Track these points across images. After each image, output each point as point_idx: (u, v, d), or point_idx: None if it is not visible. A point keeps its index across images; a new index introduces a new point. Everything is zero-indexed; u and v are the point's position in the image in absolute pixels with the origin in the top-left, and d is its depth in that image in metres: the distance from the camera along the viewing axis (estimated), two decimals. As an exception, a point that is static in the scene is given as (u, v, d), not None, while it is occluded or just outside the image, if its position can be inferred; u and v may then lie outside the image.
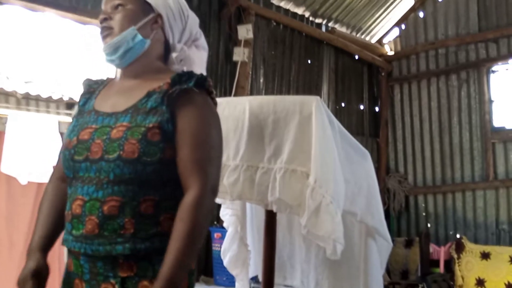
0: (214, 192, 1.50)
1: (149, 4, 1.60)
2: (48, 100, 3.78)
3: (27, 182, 3.59)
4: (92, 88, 1.68)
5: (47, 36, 3.91)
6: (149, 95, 1.52)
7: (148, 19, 1.59)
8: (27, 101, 3.72)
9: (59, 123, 3.84)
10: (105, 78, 1.72)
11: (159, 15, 1.61)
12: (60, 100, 3.83)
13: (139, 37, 1.56)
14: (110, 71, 1.70)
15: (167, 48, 1.66)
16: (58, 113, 3.86)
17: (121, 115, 1.50)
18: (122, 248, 1.42)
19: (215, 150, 1.53)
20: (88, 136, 1.50)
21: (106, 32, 1.57)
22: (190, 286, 1.55)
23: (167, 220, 1.45)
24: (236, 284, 2.57)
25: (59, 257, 3.64)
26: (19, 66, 3.75)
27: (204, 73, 1.61)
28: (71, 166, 1.52)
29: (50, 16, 3.83)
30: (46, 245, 1.59)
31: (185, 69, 1.64)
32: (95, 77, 1.74)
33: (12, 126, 3.59)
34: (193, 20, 1.71)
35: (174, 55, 1.65)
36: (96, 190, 1.45)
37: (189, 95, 1.51)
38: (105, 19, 1.58)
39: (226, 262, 2.55)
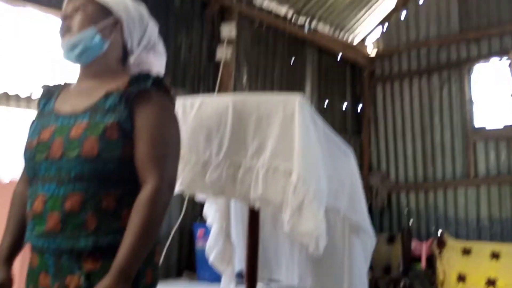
0: (171, 187, 1.55)
1: (109, 9, 1.65)
2: (29, 98, 3.75)
3: (8, 181, 3.56)
4: (51, 91, 1.73)
5: (26, 32, 3.87)
6: (107, 95, 1.56)
7: (108, 22, 1.65)
8: (7, 98, 3.68)
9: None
10: (62, 83, 1.76)
11: (119, 19, 1.66)
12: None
13: (98, 37, 1.62)
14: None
15: (126, 52, 1.71)
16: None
17: (80, 114, 1.55)
18: (84, 243, 1.46)
19: (172, 147, 1.59)
20: (48, 136, 1.55)
21: (66, 30, 1.63)
22: (154, 281, 1.59)
23: (128, 215, 1.48)
24: (222, 279, 2.58)
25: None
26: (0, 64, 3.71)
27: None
28: (32, 166, 1.56)
29: (31, 11, 3.79)
30: (12, 254, 1.66)
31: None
32: (54, 82, 1.79)
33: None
34: (153, 27, 1.78)
35: (132, 58, 1.71)
36: (57, 188, 1.49)
37: (147, 95, 1.56)
38: (65, 18, 1.63)
39: (211, 259, 2.56)
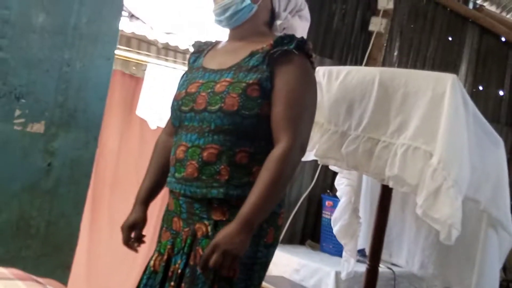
0: (303, 149, 1.59)
1: None
2: (186, 52, 3.96)
3: (156, 127, 3.82)
4: (202, 48, 1.84)
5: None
6: (252, 54, 1.63)
7: None
8: (167, 51, 3.92)
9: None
10: (213, 41, 1.87)
11: None
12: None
13: (248, 1, 1.67)
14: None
15: (273, 16, 1.76)
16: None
17: (225, 71, 1.63)
18: (216, 192, 1.55)
19: (307, 110, 1.62)
20: (195, 89, 1.65)
21: None
22: (275, 241, 1.66)
23: (258, 172, 1.55)
24: (343, 253, 2.56)
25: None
26: (164, 17, 3.94)
27: None
28: (178, 116, 1.68)
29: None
30: (150, 197, 1.82)
31: None
32: (205, 39, 1.91)
33: (150, 73, 3.82)
34: None
35: (278, 22, 1.75)
36: (198, 138, 1.59)
37: (289, 56, 1.60)
38: None
39: (336, 230, 2.55)
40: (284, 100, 1.57)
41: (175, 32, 3.95)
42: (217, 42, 1.85)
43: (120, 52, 3.57)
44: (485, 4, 6.04)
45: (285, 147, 1.52)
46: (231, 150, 1.56)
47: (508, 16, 6.36)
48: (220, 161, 1.55)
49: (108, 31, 2.31)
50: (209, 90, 1.61)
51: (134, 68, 3.84)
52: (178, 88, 1.76)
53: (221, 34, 1.89)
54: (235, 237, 1.46)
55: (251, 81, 1.57)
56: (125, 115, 3.94)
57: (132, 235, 1.80)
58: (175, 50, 3.94)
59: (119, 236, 1.83)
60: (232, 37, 1.77)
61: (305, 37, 1.80)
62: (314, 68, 1.72)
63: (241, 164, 1.56)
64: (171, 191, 1.71)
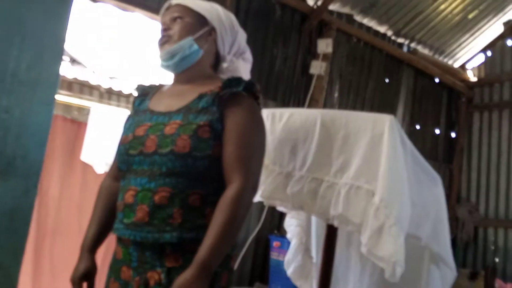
0: (255, 189, 1.59)
1: (204, 18, 1.74)
2: (129, 96, 3.94)
3: (103, 171, 3.75)
4: (146, 91, 1.83)
5: (134, 36, 4.07)
6: (200, 97, 1.64)
7: (204, 31, 1.73)
8: (110, 95, 3.89)
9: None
10: (157, 84, 1.86)
11: (213, 28, 1.75)
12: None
13: (195, 46, 1.70)
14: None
15: (218, 58, 1.80)
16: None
17: (174, 114, 1.62)
18: (169, 236, 1.51)
19: (258, 150, 1.64)
20: (143, 132, 1.62)
21: (165, 39, 1.72)
22: (228, 284, 1.62)
23: (212, 214, 1.53)
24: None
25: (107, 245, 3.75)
26: (106, 62, 3.93)
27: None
28: (126, 160, 1.64)
29: (139, 16, 3.98)
30: (96, 245, 1.75)
31: None
32: (149, 82, 1.90)
33: (94, 118, 3.77)
34: (242, 35, 1.86)
35: (224, 65, 1.80)
36: (148, 181, 1.56)
37: (238, 98, 1.63)
38: (165, 29, 1.73)
39: (290, 272, 2.54)
40: (234, 141, 1.58)
41: (118, 77, 3.94)
42: (162, 85, 1.84)
43: (62, 97, 3.51)
44: (418, 47, 6.36)
45: (238, 188, 1.52)
46: (184, 193, 1.53)
47: (440, 58, 6.70)
48: (173, 204, 1.52)
49: (48, 77, 2.27)
50: (159, 133, 1.59)
51: (76, 112, 3.78)
52: (124, 132, 1.71)
53: (165, 78, 1.89)
54: (193, 284, 1.42)
55: (201, 123, 1.57)
56: (66, 161, 3.85)
57: (84, 286, 1.69)
58: (119, 94, 3.92)
59: (61, 284, 1.74)
60: (178, 81, 1.77)
61: (248, 76, 1.84)
62: (261, 108, 1.74)
63: (194, 207, 1.54)
64: (119, 239, 1.64)
